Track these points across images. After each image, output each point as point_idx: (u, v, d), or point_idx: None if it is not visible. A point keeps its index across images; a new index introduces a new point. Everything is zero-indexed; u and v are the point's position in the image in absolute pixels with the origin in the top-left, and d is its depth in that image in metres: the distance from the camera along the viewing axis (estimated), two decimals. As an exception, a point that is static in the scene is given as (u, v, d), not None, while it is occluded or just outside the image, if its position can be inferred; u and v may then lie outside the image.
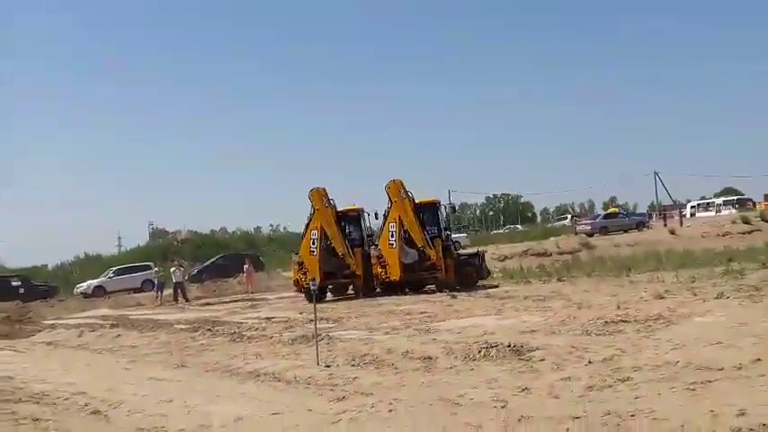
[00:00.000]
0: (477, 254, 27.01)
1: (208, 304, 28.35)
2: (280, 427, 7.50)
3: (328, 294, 25.72)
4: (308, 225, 25.08)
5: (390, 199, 24.18)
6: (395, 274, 23.83)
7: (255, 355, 12.41)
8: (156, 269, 37.46)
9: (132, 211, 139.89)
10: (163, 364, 12.67)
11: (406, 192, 24.06)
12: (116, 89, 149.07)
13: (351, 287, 25.76)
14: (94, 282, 42.65)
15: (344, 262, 24.74)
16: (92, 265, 55.37)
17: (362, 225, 26.20)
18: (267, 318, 18.96)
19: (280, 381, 10.02)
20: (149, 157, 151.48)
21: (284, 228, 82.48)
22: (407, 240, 24.16)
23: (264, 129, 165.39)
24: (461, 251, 28.45)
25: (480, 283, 25.00)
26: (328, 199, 24.79)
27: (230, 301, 28.49)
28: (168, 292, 31.68)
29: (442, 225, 25.86)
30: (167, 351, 14.38)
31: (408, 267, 24.00)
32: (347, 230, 25.66)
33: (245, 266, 34.60)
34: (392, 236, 23.94)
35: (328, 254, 24.88)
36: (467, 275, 25.02)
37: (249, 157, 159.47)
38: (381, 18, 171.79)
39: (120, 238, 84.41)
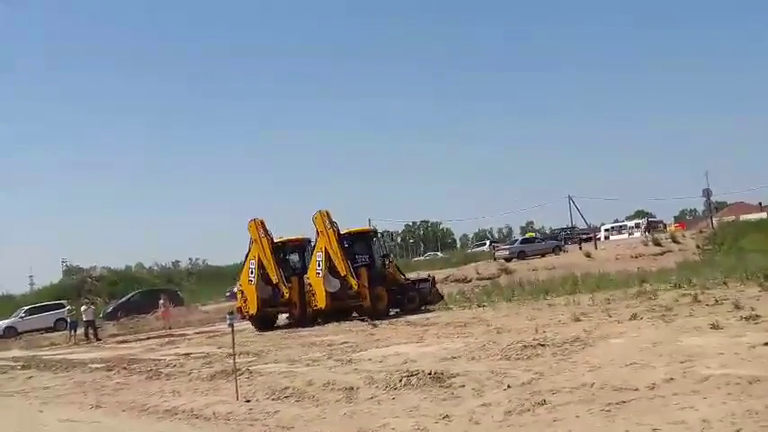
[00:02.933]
0: (426, 279, 28.03)
1: (124, 342, 27.66)
2: (198, 465, 7.34)
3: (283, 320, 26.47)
4: (247, 255, 25.66)
5: (317, 230, 24.51)
6: (321, 302, 24.24)
7: (173, 393, 12.12)
8: (69, 308, 36.45)
9: (44, 249, 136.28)
10: (78, 405, 12.25)
11: (331, 222, 24.45)
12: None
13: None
14: (5, 322, 41.24)
15: (279, 290, 25.03)
16: (2, 304, 53.46)
17: (306, 254, 26.29)
18: (185, 354, 18.59)
19: (198, 418, 9.80)
20: (62, 193, 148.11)
21: (204, 261, 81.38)
22: (333, 269, 24.34)
23: (181, 163, 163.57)
24: (412, 277, 29.43)
25: (396, 310, 25.19)
26: (265, 230, 25.27)
27: (147, 338, 27.85)
28: (82, 330, 30.82)
29: (377, 254, 26.38)
30: (82, 391, 13.91)
31: (334, 296, 24.27)
32: (289, 260, 26.32)
33: (161, 302, 34.07)
34: (318, 265, 24.30)
35: (264, 283, 25.32)
36: (410, 300, 25.71)
37: (165, 192, 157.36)
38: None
39: (31, 276, 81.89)
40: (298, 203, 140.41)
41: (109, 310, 43.29)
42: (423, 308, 25.50)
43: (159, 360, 17.51)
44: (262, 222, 25.41)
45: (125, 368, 16.59)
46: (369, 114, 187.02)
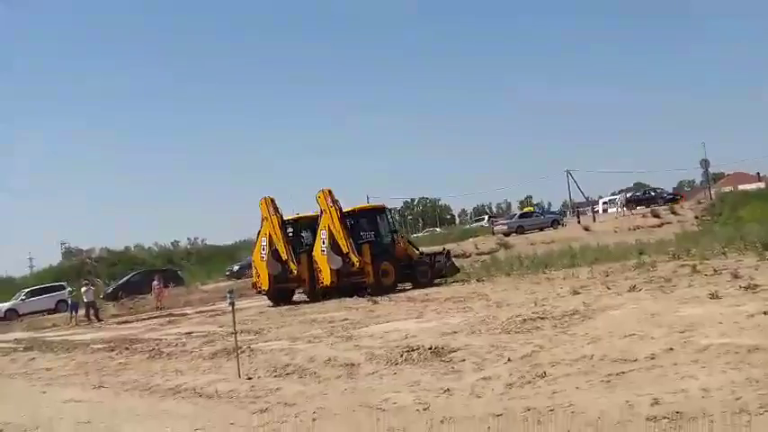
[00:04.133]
0: (441, 252, 28.37)
1: (125, 322, 27.69)
2: (202, 442, 7.39)
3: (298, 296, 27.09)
4: (259, 232, 26.57)
5: (320, 208, 25.00)
6: (326, 279, 24.86)
7: (175, 372, 12.17)
8: (69, 289, 36.49)
9: (44, 231, 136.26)
10: (80, 386, 12.26)
11: (333, 201, 24.88)
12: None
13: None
14: (6, 305, 41.21)
15: (288, 267, 25.61)
16: (3, 287, 53.51)
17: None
18: (186, 333, 18.63)
19: (201, 396, 9.84)
20: (60, 174, 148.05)
21: (203, 241, 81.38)
22: (336, 247, 24.76)
23: (177, 140, 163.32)
24: (426, 250, 29.86)
25: (401, 286, 25.35)
26: (275, 207, 26.02)
27: (148, 318, 27.89)
28: (83, 311, 30.86)
29: (383, 230, 26.83)
30: (84, 372, 13.94)
31: (339, 273, 24.80)
32: (303, 236, 26.86)
33: (155, 283, 34.12)
34: (323, 243, 24.82)
35: (274, 259, 25.96)
36: (422, 274, 26.08)
37: (163, 171, 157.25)
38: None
39: (31, 258, 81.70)
40: (302, 181, 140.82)
41: (109, 291, 43.33)
42: (442, 281, 25.96)
43: (160, 340, 17.56)
44: (272, 200, 26.14)
45: (127, 348, 16.62)
46: (367, 93, 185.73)
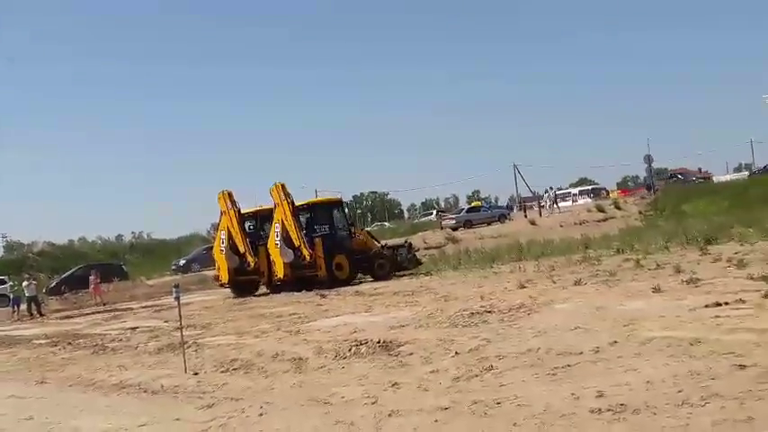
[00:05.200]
0: (402, 245, 28.66)
1: (68, 317, 27.16)
2: (147, 438, 7.29)
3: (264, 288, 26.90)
4: (218, 226, 27.22)
5: (274, 202, 25.13)
6: (280, 272, 25.03)
7: (120, 367, 11.97)
8: (11, 283, 35.69)
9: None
10: (22, 382, 12.01)
11: (286, 194, 24.98)
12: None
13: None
14: (-56, 299, 40.12)
15: (246, 260, 25.89)
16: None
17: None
18: (131, 328, 18.36)
19: (146, 391, 9.70)
20: (1, 166, 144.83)
21: (148, 235, 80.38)
22: (288, 240, 24.94)
23: (125, 135, 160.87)
24: (388, 242, 30.30)
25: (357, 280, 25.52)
26: (233, 201, 26.24)
27: (92, 313, 27.42)
28: (25, 306, 30.24)
29: (339, 223, 27.13)
30: (27, 367, 13.66)
31: (291, 266, 24.94)
32: (265, 229, 26.71)
33: (91, 278, 33.58)
34: (277, 236, 24.95)
35: (233, 252, 26.25)
36: (380, 267, 26.28)
37: (109, 165, 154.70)
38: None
39: (-29, 251, 79.81)
40: (252, 176, 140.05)
41: (52, 286, 42.55)
42: (403, 274, 26.12)
43: (105, 335, 17.30)
44: (230, 194, 26.33)
45: (70, 343, 16.35)
46: (316, 85, 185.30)
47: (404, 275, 25.40)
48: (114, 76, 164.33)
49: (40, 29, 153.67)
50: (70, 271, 45.17)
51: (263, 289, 26.69)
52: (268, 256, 25.61)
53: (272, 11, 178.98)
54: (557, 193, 60.50)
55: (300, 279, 24.91)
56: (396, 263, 26.91)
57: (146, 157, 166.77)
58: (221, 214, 26.44)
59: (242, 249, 26.01)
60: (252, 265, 25.88)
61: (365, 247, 26.97)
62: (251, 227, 27.34)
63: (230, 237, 26.23)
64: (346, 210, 29.08)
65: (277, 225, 25.02)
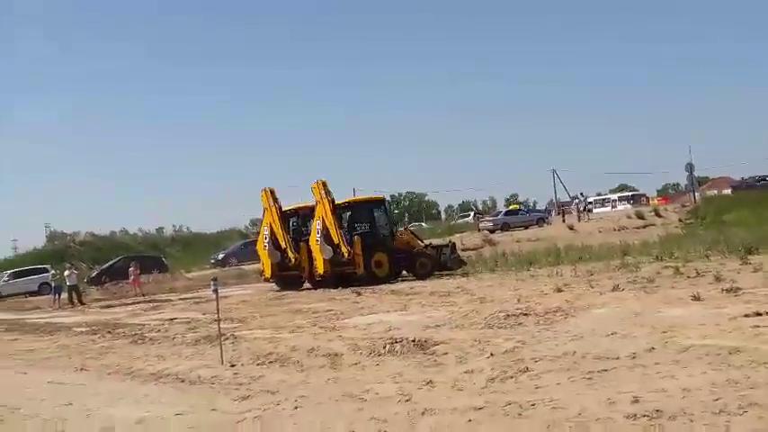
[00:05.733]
0: (447, 245, 28.72)
1: (108, 306, 27.60)
2: (183, 427, 7.37)
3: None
4: (262, 222, 27.87)
5: (315, 199, 25.61)
6: (320, 268, 25.44)
7: (158, 357, 12.15)
8: (53, 272, 36.30)
9: (28, 214, 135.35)
10: (62, 368, 12.23)
11: (327, 192, 25.38)
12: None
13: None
14: (-11, 286, 40.95)
15: (287, 255, 26.36)
16: (-14, 269, 53.19)
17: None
18: (170, 319, 18.59)
19: (183, 381, 9.84)
20: (44, 157, 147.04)
21: (187, 228, 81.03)
22: (328, 237, 25.29)
23: (163, 128, 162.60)
24: (432, 242, 30.54)
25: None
26: (275, 198, 26.90)
27: (131, 303, 27.83)
28: (66, 295, 30.73)
29: (380, 222, 27.40)
30: (66, 354, 13.91)
31: (331, 263, 25.29)
32: (309, 225, 26.93)
33: (131, 269, 33.97)
34: (318, 233, 25.34)
35: (275, 248, 26.79)
36: (422, 266, 26.43)
37: (149, 157, 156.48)
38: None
39: (14, 240, 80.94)
40: (289, 175, 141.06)
41: (93, 276, 43.14)
42: (445, 273, 26.07)
43: (144, 325, 17.53)
44: (272, 191, 27.04)
45: (109, 332, 16.61)
46: (360, 87, 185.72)
47: (444, 275, 25.34)
48: (136, 71, 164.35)
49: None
50: (111, 262, 45.74)
51: (307, 285, 26.95)
52: (309, 252, 25.97)
53: (271, 10, 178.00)
54: (587, 199, 59.85)
55: (340, 276, 25.19)
56: (439, 262, 26.96)
57: (187, 150, 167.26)
58: (264, 211, 27.08)
59: (283, 245, 26.54)
60: (293, 260, 26.32)
61: (407, 246, 27.17)
62: (294, 223, 27.75)
63: (272, 233, 26.76)
64: (387, 208, 29.20)
65: (318, 222, 25.38)
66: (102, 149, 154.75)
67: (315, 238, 25.38)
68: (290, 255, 26.34)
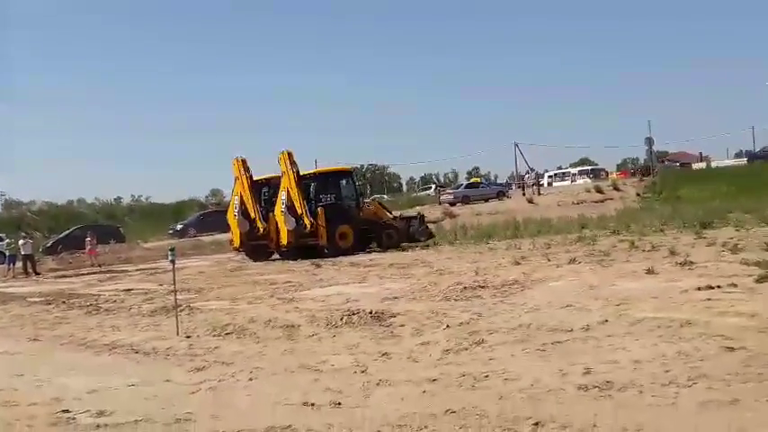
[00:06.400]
0: (415, 217, 29.10)
1: (63, 276, 27.27)
2: (137, 398, 7.29)
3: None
4: (232, 191, 27.70)
5: (281, 170, 25.58)
6: (284, 239, 25.44)
7: (113, 328, 12.00)
8: (7, 241, 35.72)
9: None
10: (15, 338, 12.05)
11: (292, 163, 25.35)
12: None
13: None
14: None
15: (256, 225, 26.39)
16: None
17: None
18: (126, 289, 18.40)
19: (138, 352, 9.74)
20: (2, 125, 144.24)
21: (147, 198, 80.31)
22: (292, 208, 25.34)
23: (124, 96, 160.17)
24: (402, 214, 31.26)
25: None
26: (246, 168, 26.78)
27: (87, 274, 27.52)
28: (20, 264, 30.29)
29: (346, 193, 27.44)
30: (20, 325, 13.70)
31: (295, 234, 25.27)
32: (273, 197, 27.02)
33: (87, 239, 33.60)
34: (283, 204, 25.36)
35: (244, 218, 26.78)
36: (389, 237, 26.83)
37: (108, 126, 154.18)
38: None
39: (-32, 209, 79.63)
40: (254, 145, 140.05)
41: (48, 245, 42.61)
42: (419, 244, 26.39)
43: (99, 295, 17.33)
44: (243, 161, 26.91)
45: (64, 302, 16.39)
46: (327, 64, 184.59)
47: (409, 248, 25.41)
48: (115, 40, 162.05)
49: None
50: (67, 231, 45.19)
51: (277, 255, 26.97)
52: (277, 222, 25.93)
53: None
54: (538, 175, 60.67)
55: (304, 247, 25.22)
56: (407, 234, 27.12)
57: (149, 120, 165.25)
58: (235, 180, 27.00)
59: (252, 215, 26.50)
60: (261, 230, 26.28)
61: (375, 218, 27.26)
62: (266, 193, 27.60)
63: (242, 202, 26.71)
64: (354, 180, 29.23)
65: (283, 193, 25.38)
66: (60, 118, 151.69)
67: (280, 209, 25.37)
68: (259, 225, 26.29)
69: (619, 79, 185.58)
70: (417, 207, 48.42)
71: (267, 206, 26.89)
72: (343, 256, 23.24)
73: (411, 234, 27.20)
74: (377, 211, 28.05)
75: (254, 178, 27.01)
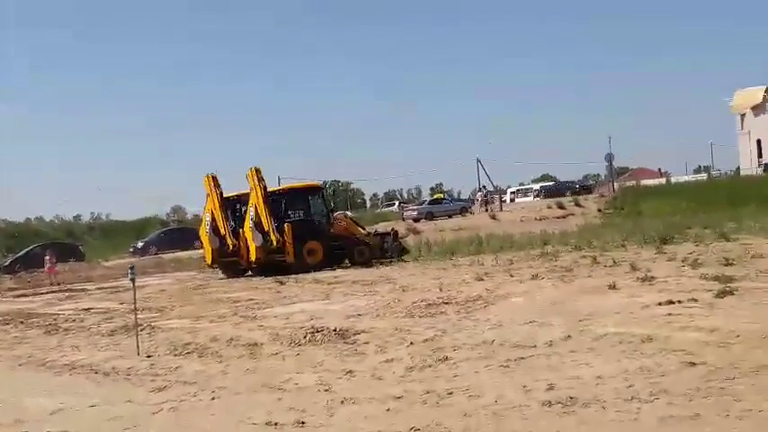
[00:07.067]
0: (388, 233, 28.92)
1: (22, 296, 26.75)
2: (98, 418, 7.21)
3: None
4: (204, 208, 27.43)
5: (249, 186, 25.45)
6: (252, 255, 25.28)
7: (72, 348, 11.83)
8: (-36, 260, 35.17)
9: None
10: (-29, 359, 11.85)
11: (259, 179, 25.24)
12: None
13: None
14: None
15: (226, 242, 26.17)
16: None
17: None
18: (85, 309, 18.10)
19: (98, 372, 9.60)
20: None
21: (107, 216, 79.49)
22: (259, 224, 25.18)
23: (76, 114, 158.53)
24: (377, 229, 31.30)
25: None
26: (217, 184, 26.56)
27: (46, 293, 27.04)
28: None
29: (316, 209, 27.36)
30: (-24, 346, 13.47)
31: (264, 250, 25.12)
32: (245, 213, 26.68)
33: (47, 257, 33.13)
34: (251, 220, 25.23)
35: (215, 234, 26.48)
36: (360, 254, 26.47)
37: (70, 145, 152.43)
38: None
39: (-77, 226, 78.07)
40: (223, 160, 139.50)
41: (6, 264, 42.00)
42: (389, 260, 26.22)
43: (58, 315, 17.05)
44: (214, 177, 26.67)
45: (22, 322, 16.11)
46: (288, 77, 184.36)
47: (378, 264, 25.35)
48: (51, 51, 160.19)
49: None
50: (26, 250, 44.55)
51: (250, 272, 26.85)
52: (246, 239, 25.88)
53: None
54: (488, 192, 61.55)
55: (274, 263, 25.08)
56: (381, 250, 27.06)
57: (104, 139, 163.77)
58: (207, 197, 26.79)
59: (222, 231, 26.31)
60: (231, 247, 26.11)
61: (346, 233, 27.12)
62: (238, 210, 27.39)
63: (213, 219, 26.55)
64: (324, 196, 29.27)
65: (251, 209, 25.25)
66: (20, 135, 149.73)
67: (248, 225, 25.27)
68: (229, 241, 26.13)
69: (577, 92, 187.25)
70: (381, 223, 48.45)
71: (239, 223, 26.72)
72: (310, 273, 23.08)
73: (384, 250, 27.15)
74: (348, 226, 27.97)
75: (225, 195, 26.85)
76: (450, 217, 51.46)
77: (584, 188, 66.51)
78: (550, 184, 71.92)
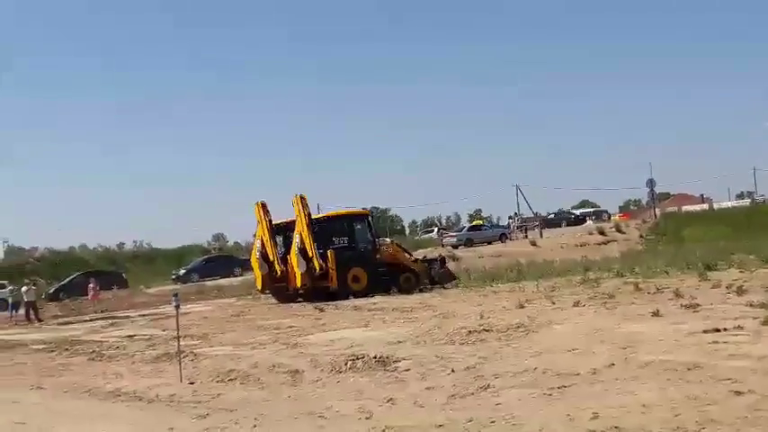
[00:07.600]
0: (435, 259, 29.15)
1: (66, 323, 27.11)
2: (140, 446, 7.27)
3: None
4: (255, 235, 27.96)
5: (295, 213, 25.84)
6: (298, 282, 25.44)
7: (116, 375, 11.97)
8: (10, 288, 35.65)
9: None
10: (17, 387, 11.99)
11: (303, 206, 25.62)
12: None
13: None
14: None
15: (274, 268, 26.34)
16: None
17: None
18: (129, 336, 18.33)
19: (141, 399, 9.69)
20: (3, 172, 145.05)
21: (148, 244, 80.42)
22: (304, 251, 25.38)
23: (121, 143, 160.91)
24: (425, 255, 31.61)
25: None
26: (266, 211, 26.81)
27: (90, 320, 27.36)
28: (23, 311, 30.17)
29: (360, 236, 27.36)
30: (22, 372, 13.65)
31: (309, 276, 25.26)
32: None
33: (90, 285, 33.54)
34: (297, 246, 25.45)
35: (264, 261, 26.66)
36: (405, 281, 26.44)
37: (107, 173, 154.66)
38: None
39: (-29, 256, 79.65)
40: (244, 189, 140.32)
41: (51, 292, 42.56)
42: (433, 287, 26.30)
43: (102, 342, 17.25)
44: (263, 204, 26.96)
45: (67, 349, 16.32)
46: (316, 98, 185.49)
47: (415, 291, 25.32)
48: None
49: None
50: (70, 277, 45.17)
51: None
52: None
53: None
54: (522, 219, 61.61)
55: (318, 289, 25.21)
56: (428, 276, 27.06)
57: (148, 166, 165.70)
58: (257, 224, 27.12)
59: (271, 258, 26.55)
60: (279, 273, 26.28)
61: (393, 260, 27.12)
62: (289, 237, 27.45)
63: (263, 245, 26.83)
64: (370, 222, 29.24)
65: (297, 236, 25.52)
66: (62, 164, 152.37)
67: (294, 252, 25.45)
68: (277, 267, 26.28)
69: (615, 120, 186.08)
70: (420, 250, 48.40)
71: (288, 249, 26.87)
72: (350, 299, 23.04)
73: (432, 277, 27.12)
74: (395, 253, 27.99)
75: (275, 222, 27.12)
76: (489, 243, 51.18)
77: (579, 218, 65.87)
78: (551, 214, 71.14)
